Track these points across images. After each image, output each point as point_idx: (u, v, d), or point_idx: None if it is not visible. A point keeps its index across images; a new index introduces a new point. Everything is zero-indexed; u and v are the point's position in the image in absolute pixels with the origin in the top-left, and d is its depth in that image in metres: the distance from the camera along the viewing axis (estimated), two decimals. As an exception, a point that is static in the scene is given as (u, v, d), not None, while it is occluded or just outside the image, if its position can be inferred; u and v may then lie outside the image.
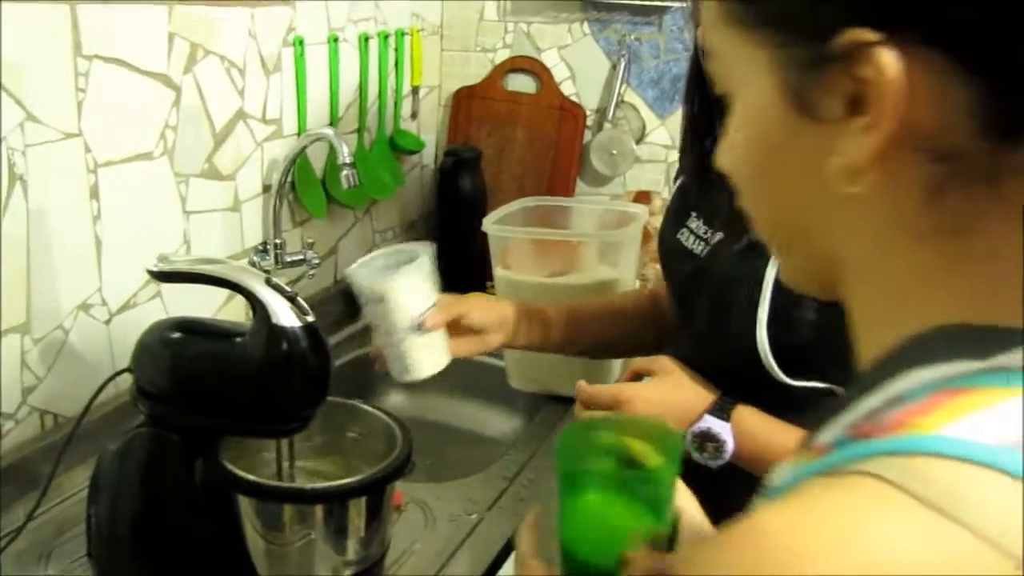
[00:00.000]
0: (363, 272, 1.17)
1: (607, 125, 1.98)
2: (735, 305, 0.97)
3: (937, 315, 0.44)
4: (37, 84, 1.13)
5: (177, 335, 1.03)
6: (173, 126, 1.35)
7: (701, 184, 1.04)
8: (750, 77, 0.48)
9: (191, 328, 1.04)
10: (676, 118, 1.97)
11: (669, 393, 1.00)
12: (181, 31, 1.33)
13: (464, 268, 2.00)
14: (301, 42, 1.58)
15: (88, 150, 1.22)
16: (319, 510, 1.03)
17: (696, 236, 1.04)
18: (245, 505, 1.03)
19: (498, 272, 1.58)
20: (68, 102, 1.18)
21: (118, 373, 1.05)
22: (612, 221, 1.72)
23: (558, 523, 0.70)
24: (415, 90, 1.98)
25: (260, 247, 1.58)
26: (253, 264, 1.57)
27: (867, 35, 0.40)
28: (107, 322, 1.31)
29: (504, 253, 1.58)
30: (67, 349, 1.25)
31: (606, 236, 1.58)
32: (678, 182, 1.15)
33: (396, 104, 1.90)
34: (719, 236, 1.02)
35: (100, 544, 1.09)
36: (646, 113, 1.98)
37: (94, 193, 1.24)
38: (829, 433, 0.44)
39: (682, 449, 0.70)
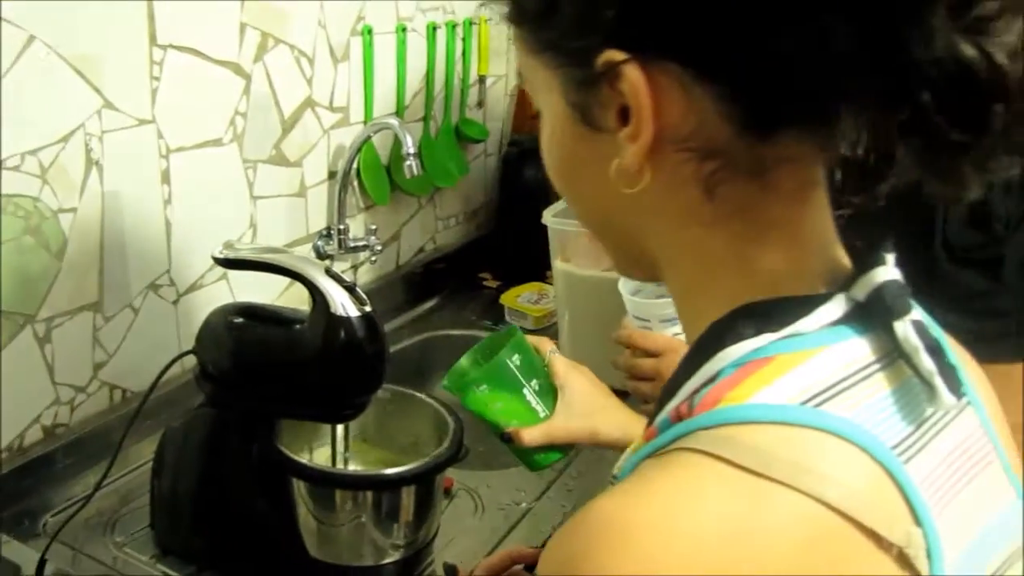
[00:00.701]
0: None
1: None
2: None
3: (738, 296, 0.50)
4: (114, 73, 1.17)
5: (240, 320, 1.06)
6: (243, 113, 1.39)
7: None
8: (546, 95, 0.53)
9: (253, 313, 1.08)
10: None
11: None
12: (253, 21, 1.36)
13: (524, 259, 2.01)
14: (370, 31, 1.60)
15: (161, 136, 1.26)
16: (371, 495, 1.05)
17: None
18: (299, 486, 1.06)
19: (557, 265, 1.59)
20: (143, 90, 1.22)
21: (184, 354, 1.09)
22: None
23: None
24: (481, 79, 1.99)
25: (324, 232, 1.61)
26: (317, 249, 1.60)
27: (616, 55, 0.46)
28: (175, 302, 1.35)
29: (563, 246, 1.59)
30: (136, 327, 1.30)
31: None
32: None
33: (463, 93, 1.91)
34: None
35: (162, 516, 1.14)
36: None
37: (165, 178, 1.29)
38: (658, 418, 0.49)
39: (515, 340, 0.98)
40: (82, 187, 1.18)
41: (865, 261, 0.49)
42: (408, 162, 1.46)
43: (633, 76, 0.46)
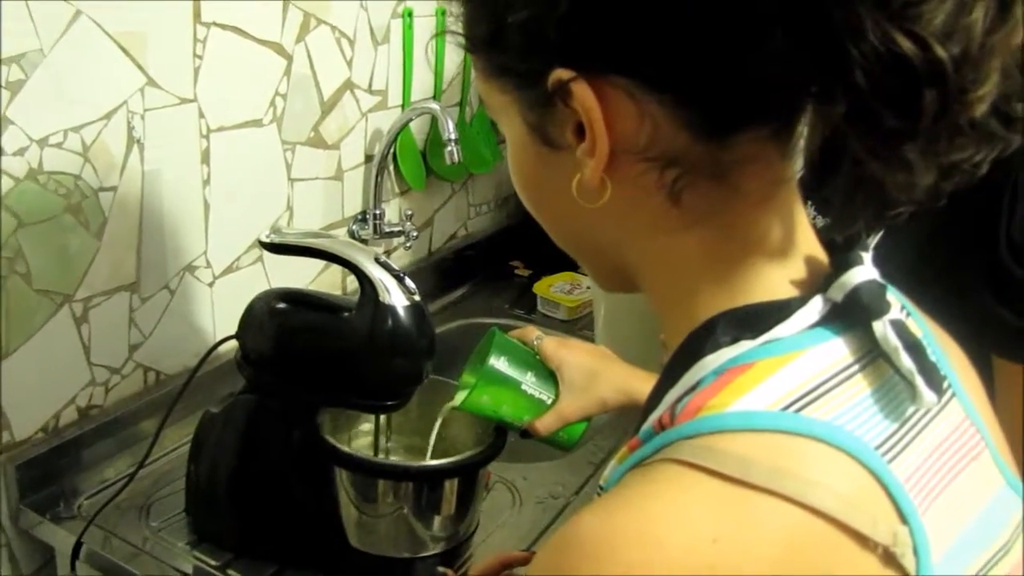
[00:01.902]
0: None
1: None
2: None
3: (714, 303, 0.50)
4: (158, 50, 1.15)
5: (285, 306, 1.04)
6: (283, 94, 1.37)
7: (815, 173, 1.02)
8: (505, 118, 0.54)
9: (299, 299, 1.05)
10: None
11: None
12: (296, 0, 1.34)
13: (555, 248, 1.99)
14: (410, 14, 1.57)
15: (202, 115, 1.24)
16: (413, 486, 1.04)
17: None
18: (342, 475, 1.04)
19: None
20: (186, 68, 1.20)
21: (226, 339, 1.07)
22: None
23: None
24: (517, 65, 1.96)
25: (359, 216, 1.59)
26: (352, 233, 1.58)
27: (564, 74, 0.46)
28: (211, 284, 1.33)
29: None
30: (172, 309, 1.28)
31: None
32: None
33: (498, 78, 1.88)
34: (825, 222, 1.00)
35: (198, 502, 1.12)
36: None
37: (205, 158, 1.27)
38: (642, 428, 0.49)
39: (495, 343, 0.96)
40: (123, 165, 1.16)
41: (842, 261, 0.49)
42: (449, 148, 1.44)
43: (582, 93, 0.46)
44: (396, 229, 1.61)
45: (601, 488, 0.51)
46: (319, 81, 1.43)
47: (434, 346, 1.02)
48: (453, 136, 1.43)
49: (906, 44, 0.40)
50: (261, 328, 1.04)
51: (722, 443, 0.43)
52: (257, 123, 1.34)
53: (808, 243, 0.52)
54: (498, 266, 1.98)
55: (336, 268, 1.58)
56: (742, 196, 0.49)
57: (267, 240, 1.02)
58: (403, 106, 1.62)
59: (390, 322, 0.98)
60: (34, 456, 1.12)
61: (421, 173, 1.69)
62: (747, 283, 0.50)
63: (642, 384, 0.96)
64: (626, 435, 0.58)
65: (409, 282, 1.01)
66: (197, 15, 1.19)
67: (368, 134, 1.56)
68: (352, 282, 1.61)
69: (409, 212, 1.63)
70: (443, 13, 1.66)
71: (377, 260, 1.00)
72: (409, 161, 1.65)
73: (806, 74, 0.43)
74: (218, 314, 1.35)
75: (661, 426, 0.47)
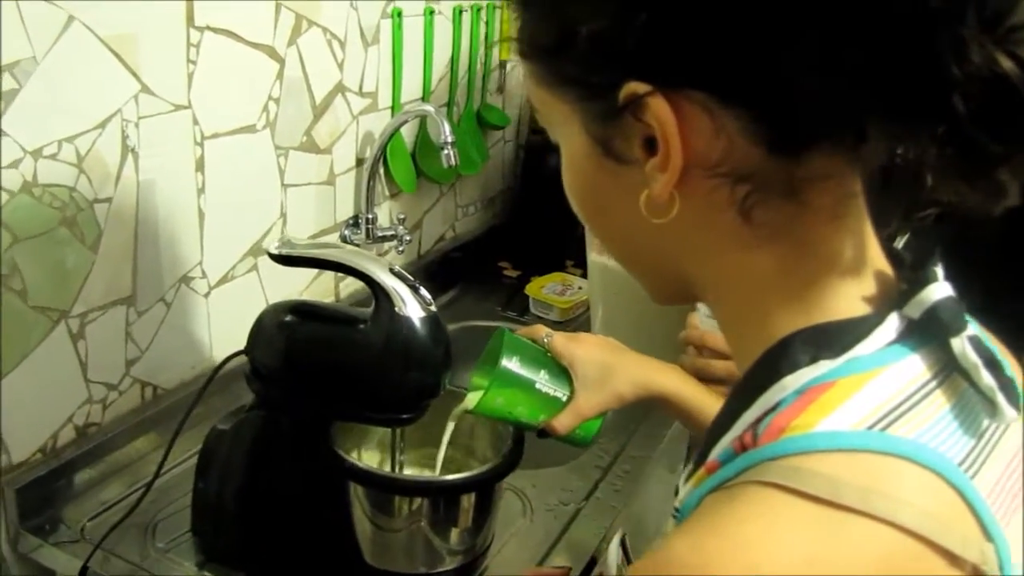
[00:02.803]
0: None
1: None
2: None
3: (788, 321, 0.49)
4: (151, 56, 1.11)
5: (297, 319, 1.01)
6: (276, 99, 1.33)
7: None
8: (564, 128, 0.52)
9: (310, 312, 1.03)
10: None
11: None
12: (288, 2, 1.30)
13: (544, 248, 1.98)
14: (399, 14, 1.54)
15: (196, 122, 1.21)
16: (431, 501, 1.02)
17: None
18: (356, 490, 1.02)
19: (592, 257, 1.56)
20: (179, 74, 1.17)
21: (236, 354, 1.04)
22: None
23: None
24: (502, 64, 1.94)
25: (351, 221, 1.56)
26: (344, 238, 1.55)
27: (640, 87, 0.46)
28: (206, 295, 1.30)
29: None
30: (168, 321, 1.24)
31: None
32: None
33: (484, 79, 1.86)
34: None
35: (206, 521, 1.09)
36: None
37: (200, 166, 1.23)
38: (718, 450, 0.48)
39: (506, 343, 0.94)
40: (117, 176, 1.12)
41: (916, 278, 0.48)
42: (446, 151, 1.42)
43: (658, 107, 0.46)
44: (389, 233, 1.58)
45: (677, 511, 0.50)
46: (311, 84, 1.40)
47: (451, 357, 1.00)
48: (449, 139, 1.41)
49: (1010, 67, 0.40)
50: (272, 342, 1.01)
51: (810, 464, 0.42)
52: (250, 129, 1.30)
53: (877, 258, 0.51)
54: (486, 268, 1.96)
55: (328, 275, 1.55)
56: (813, 212, 0.48)
57: (277, 252, 0.99)
58: (393, 108, 1.59)
59: (407, 334, 0.95)
60: (33, 479, 1.08)
61: (412, 175, 1.66)
62: (822, 300, 0.49)
63: (657, 375, 0.95)
64: (685, 458, 0.57)
65: (424, 292, 0.99)
66: (190, 18, 1.16)
67: (359, 137, 1.54)
68: (344, 289, 1.59)
69: (401, 216, 1.60)
70: (431, 13, 1.63)
71: (391, 270, 0.97)
72: (400, 164, 1.63)
73: (896, 93, 0.42)
74: (214, 325, 1.32)
75: (743, 447, 0.46)
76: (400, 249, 1.62)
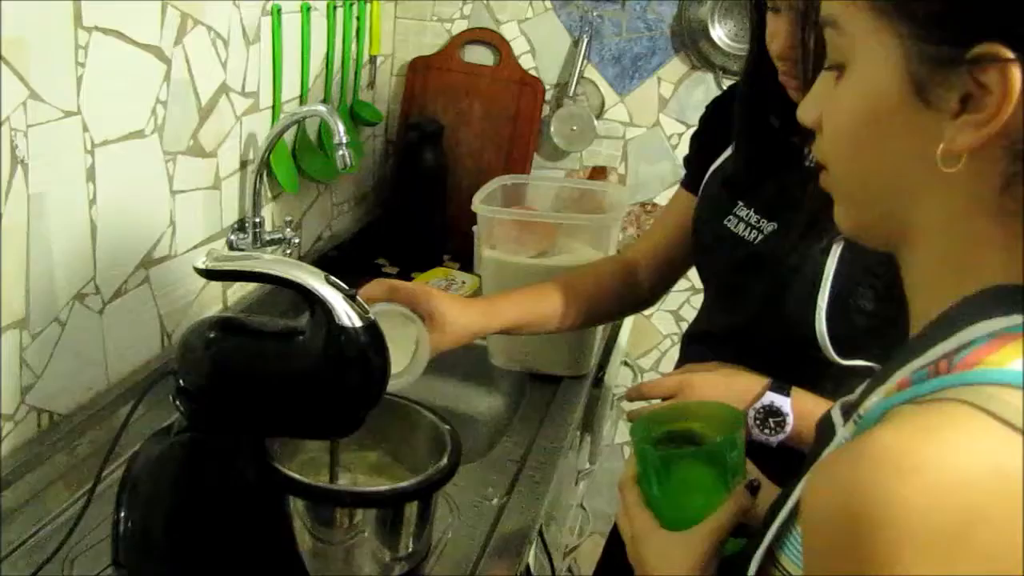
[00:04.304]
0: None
1: (567, 101, 1.98)
2: (792, 292, 1.00)
3: (992, 278, 0.53)
4: (40, 59, 1.04)
5: (227, 334, 0.97)
6: (164, 101, 1.27)
7: (754, 176, 1.07)
8: (873, 56, 0.54)
9: (240, 327, 0.99)
10: (635, 96, 1.99)
11: (727, 378, 1.04)
12: (174, 0, 1.24)
13: (420, 244, 1.98)
14: (279, 11, 1.50)
15: (86, 129, 1.13)
16: (377, 511, 1.01)
17: (748, 224, 1.07)
18: (295, 504, 1.00)
19: (485, 252, 1.57)
20: (68, 78, 1.09)
21: (163, 375, 0.99)
22: (570, 198, 1.73)
23: (651, 502, 0.81)
24: (372, 59, 1.92)
25: (236, 225, 1.51)
26: (230, 244, 1.50)
27: (1005, 52, 0.49)
28: (100, 311, 1.22)
29: (490, 233, 1.57)
30: (63, 343, 1.17)
31: (594, 220, 1.58)
32: (711, 171, 1.17)
33: (356, 74, 1.84)
34: (773, 226, 1.05)
35: (130, 553, 1.03)
36: (606, 90, 1.99)
37: (91, 175, 1.16)
38: (906, 371, 0.53)
39: (743, 422, 0.82)
40: (7, 190, 1.04)
41: None
42: (341, 152, 1.39)
43: (1015, 76, 0.49)
44: (276, 236, 1.54)
45: (860, 416, 0.55)
46: (197, 86, 1.34)
47: (389, 365, 0.99)
48: (344, 140, 1.38)
49: None
50: (202, 361, 0.97)
51: (1003, 394, 0.48)
52: (139, 134, 1.23)
53: None
54: (365, 265, 1.94)
55: (216, 285, 1.50)
56: None
57: (204, 267, 0.95)
58: (274, 107, 1.55)
59: (348, 345, 0.94)
60: (-68, 523, 0.99)
61: (294, 175, 1.63)
62: None
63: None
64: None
65: (360, 300, 0.97)
66: (78, 18, 1.08)
67: (243, 139, 1.48)
68: (232, 295, 1.54)
69: (289, 218, 1.56)
70: (307, 9, 1.59)
71: (328, 280, 0.95)
72: (282, 164, 1.58)
73: None
74: (109, 343, 1.25)
75: (937, 372, 0.51)
76: (288, 252, 1.58)
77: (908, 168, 0.54)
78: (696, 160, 1.24)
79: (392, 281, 1.16)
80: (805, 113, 0.62)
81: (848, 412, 0.60)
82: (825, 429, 0.63)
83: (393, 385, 1.01)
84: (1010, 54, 0.49)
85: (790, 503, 0.60)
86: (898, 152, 0.54)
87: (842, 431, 0.58)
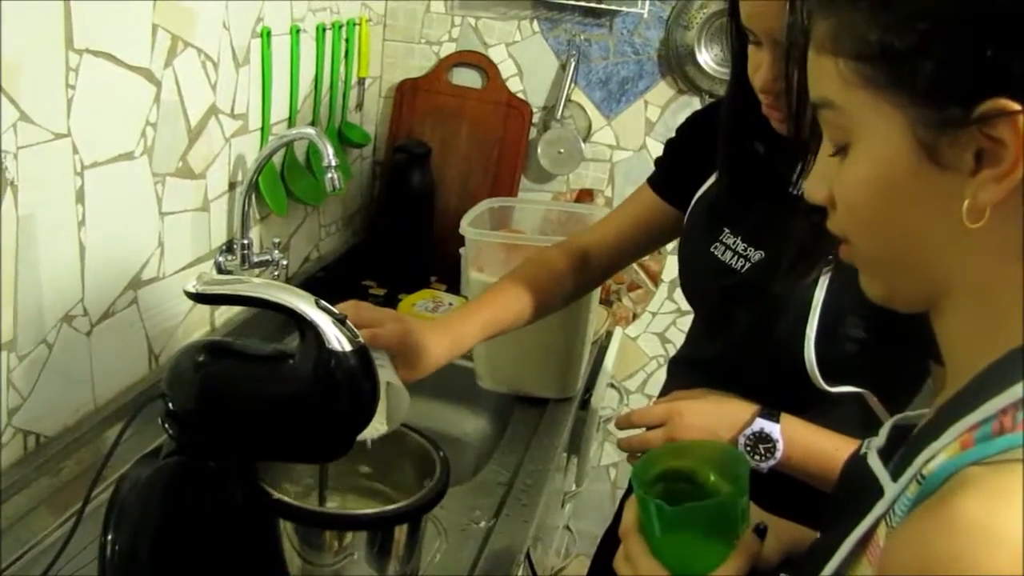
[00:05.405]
0: None
1: (555, 124, 1.99)
2: (781, 320, 1.01)
3: None
4: (31, 81, 1.04)
5: (217, 358, 0.97)
6: (153, 123, 1.27)
7: (739, 203, 1.07)
8: (877, 130, 0.55)
9: (230, 350, 0.99)
10: (622, 119, 2.01)
11: (716, 405, 1.04)
12: (164, 23, 1.25)
13: (406, 265, 1.98)
14: (268, 33, 1.51)
15: (76, 151, 1.14)
16: (368, 534, 1.01)
17: (734, 252, 1.07)
18: (285, 527, 0.99)
19: (472, 274, 1.58)
20: (59, 100, 1.09)
21: (151, 399, 0.98)
22: (557, 221, 1.74)
23: (655, 549, 0.77)
24: (360, 81, 1.93)
25: (224, 247, 1.51)
26: (218, 266, 1.50)
27: (1012, 105, 0.49)
28: (88, 333, 1.22)
29: (477, 256, 1.58)
30: (50, 365, 1.16)
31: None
32: (696, 198, 1.17)
33: (344, 96, 1.84)
34: (760, 254, 1.05)
35: (119, 575, 1.03)
36: (592, 113, 2.01)
37: (80, 197, 1.16)
38: (958, 428, 0.52)
39: (748, 465, 0.79)
40: (-3, 212, 1.04)
41: None
42: (329, 174, 1.40)
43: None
44: (264, 258, 1.54)
45: (923, 477, 0.53)
46: (186, 107, 1.34)
47: (378, 388, 0.99)
48: (333, 162, 1.39)
49: None
50: (193, 384, 0.97)
51: None
52: (129, 156, 1.24)
53: None
54: (352, 287, 1.94)
55: (203, 307, 1.49)
56: None
57: (195, 291, 0.95)
58: (263, 130, 1.55)
59: (338, 369, 0.94)
60: (-84, 548, 0.98)
61: (283, 197, 1.63)
62: None
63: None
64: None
65: (350, 324, 0.98)
66: (69, 40, 1.09)
67: (232, 161, 1.49)
68: (219, 317, 1.54)
69: (276, 240, 1.56)
70: (297, 32, 1.60)
71: (318, 304, 0.96)
72: (271, 185, 1.59)
73: None
74: (96, 365, 1.24)
75: (1002, 430, 0.50)
76: (276, 274, 1.58)
77: (933, 230, 0.54)
78: (666, 162, 1.25)
79: (361, 311, 1.08)
80: (814, 191, 0.61)
81: (887, 459, 0.59)
82: (862, 477, 0.61)
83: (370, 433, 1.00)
84: (1016, 106, 0.49)
85: (842, 553, 0.57)
86: (920, 217, 0.54)
87: (893, 487, 0.56)
